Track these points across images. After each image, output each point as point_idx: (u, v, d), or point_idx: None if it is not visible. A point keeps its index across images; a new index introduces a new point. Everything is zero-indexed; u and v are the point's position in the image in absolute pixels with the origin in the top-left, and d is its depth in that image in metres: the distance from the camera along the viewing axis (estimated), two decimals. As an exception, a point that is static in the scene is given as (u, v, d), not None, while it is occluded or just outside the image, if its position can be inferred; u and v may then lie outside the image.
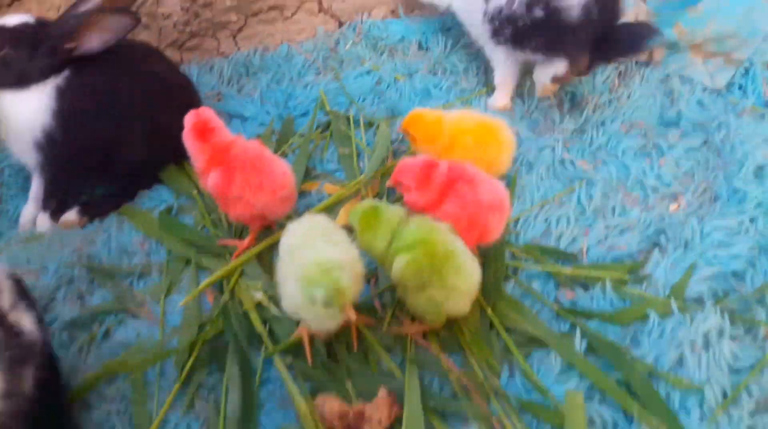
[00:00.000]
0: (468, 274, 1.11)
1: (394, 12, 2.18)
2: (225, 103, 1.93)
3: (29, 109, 1.46)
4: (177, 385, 1.15)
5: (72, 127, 1.48)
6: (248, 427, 1.09)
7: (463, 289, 1.11)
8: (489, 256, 1.28)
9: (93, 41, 1.47)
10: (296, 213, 1.50)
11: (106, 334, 1.29)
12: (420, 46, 2.02)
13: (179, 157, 1.66)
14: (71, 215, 1.56)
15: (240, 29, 2.14)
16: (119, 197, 1.62)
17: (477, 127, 1.45)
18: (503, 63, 1.70)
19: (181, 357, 1.18)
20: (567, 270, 1.28)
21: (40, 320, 1.05)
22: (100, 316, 1.32)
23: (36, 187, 1.61)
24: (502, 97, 1.74)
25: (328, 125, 1.77)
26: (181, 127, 1.63)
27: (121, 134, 1.54)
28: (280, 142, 1.74)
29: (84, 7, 1.53)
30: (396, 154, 1.63)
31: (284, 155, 1.68)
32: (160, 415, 1.11)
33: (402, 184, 1.25)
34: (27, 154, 1.51)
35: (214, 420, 1.11)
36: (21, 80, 1.45)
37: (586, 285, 1.27)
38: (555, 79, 1.57)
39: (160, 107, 1.59)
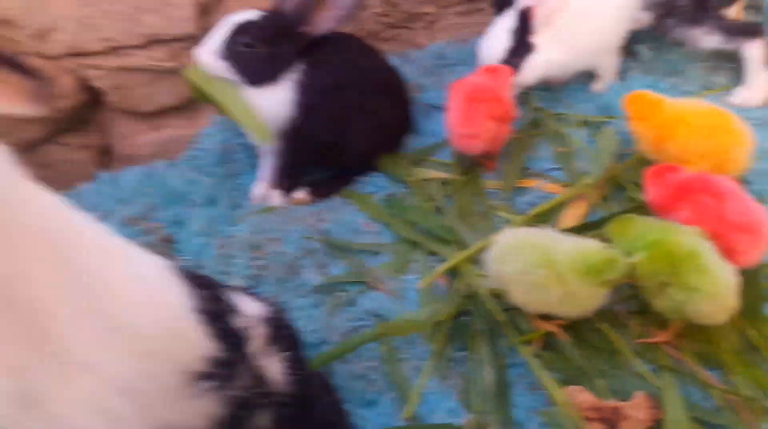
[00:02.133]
0: (714, 276, 1.19)
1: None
2: (425, 94, 2.09)
3: (276, 102, 1.68)
4: (433, 357, 1.34)
5: (311, 118, 1.71)
6: (502, 403, 1.25)
7: (707, 291, 1.18)
8: (745, 275, 1.31)
9: (327, 21, 1.67)
10: (515, 210, 1.66)
11: (351, 302, 1.49)
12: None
13: (394, 147, 1.89)
14: (302, 194, 1.81)
15: (435, 21, 2.31)
16: (340, 181, 1.84)
17: (709, 111, 1.50)
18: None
19: (435, 331, 1.36)
20: None
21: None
22: (341, 285, 1.53)
23: (266, 169, 1.84)
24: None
25: (535, 123, 1.90)
26: (396, 120, 1.85)
27: (349, 124, 1.75)
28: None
29: None
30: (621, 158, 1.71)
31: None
32: (423, 377, 1.30)
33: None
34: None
35: (467, 392, 1.28)
36: (274, 74, 1.66)
37: None
38: None
39: (380, 100, 1.81)
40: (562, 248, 1.26)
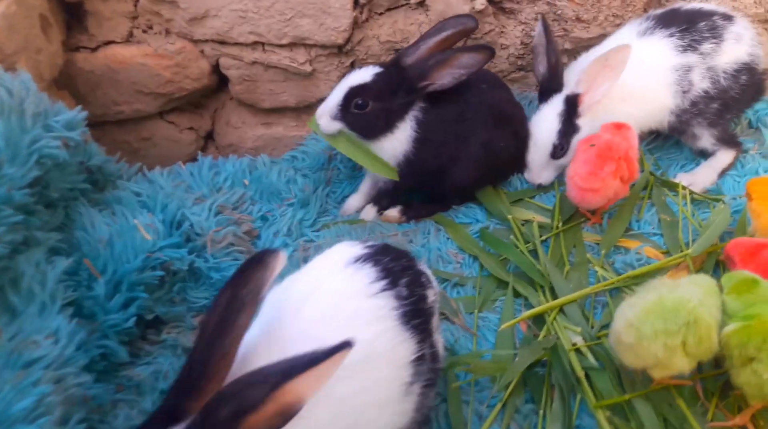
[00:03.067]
0: None
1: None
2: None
3: (394, 144, 1.73)
4: (500, 404, 1.29)
5: (425, 150, 1.73)
6: (565, 465, 1.19)
7: None
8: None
9: (446, 78, 1.70)
10: (613, 269, 1.59)
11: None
12: (750, 124, 2.03)
13: (498, 180, 1.86)
14: (394, 212, 1.81)
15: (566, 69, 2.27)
16: (435, 206, 1.83)
17: None
18: None
19: (507, 378, 1.31)
20: None
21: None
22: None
23: (368, 185, 1.88)
24: None
25: (646, 186, 1.83)
26: (508, 155, 1.83)
27: (460, 155, 1.76)
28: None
29: (429, 43, 1.75)
30: (722, 237, 1.64)
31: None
32: (485, 424, 1.25)
33: (731, 259, 1.42)
34: None
35: (530, 447, 1.22)
36: (388, 126, 1.71)
37: None
38: None
39: (496, 133, 1.79)
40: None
